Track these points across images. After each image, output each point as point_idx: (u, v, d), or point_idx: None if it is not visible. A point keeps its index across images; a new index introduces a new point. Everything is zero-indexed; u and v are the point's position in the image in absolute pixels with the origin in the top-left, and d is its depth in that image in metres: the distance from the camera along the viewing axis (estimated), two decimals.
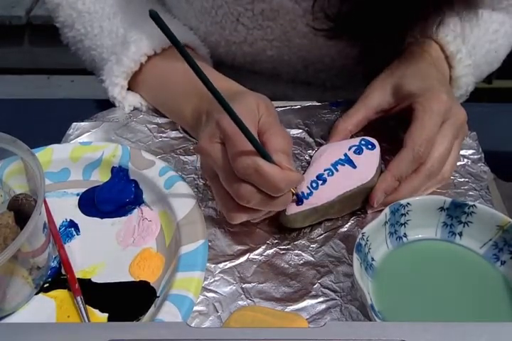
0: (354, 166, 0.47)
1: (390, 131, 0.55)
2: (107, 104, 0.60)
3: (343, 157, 0.48)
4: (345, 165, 0.47)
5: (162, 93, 0.58)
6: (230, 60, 0.63)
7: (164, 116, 0.59)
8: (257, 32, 0.59)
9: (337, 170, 0.47)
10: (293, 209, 0.46)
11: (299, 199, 0.46)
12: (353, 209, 0.48)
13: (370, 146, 0.49)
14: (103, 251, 0.46)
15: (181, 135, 0.57)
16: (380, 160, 0.49)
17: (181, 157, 0.54)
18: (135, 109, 0.60)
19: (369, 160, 0.48)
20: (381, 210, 0.45)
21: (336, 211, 0.47)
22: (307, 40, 0.59)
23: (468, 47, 0.59)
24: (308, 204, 0.46)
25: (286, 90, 0.68)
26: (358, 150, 0.48)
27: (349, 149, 0.48)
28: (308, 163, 0.52)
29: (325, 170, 0.47)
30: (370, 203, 0.47)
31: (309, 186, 0.46)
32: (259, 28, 0.59)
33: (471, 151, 0.55)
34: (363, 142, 0.49)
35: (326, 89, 0.68)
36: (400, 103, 0.52)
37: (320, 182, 0.46)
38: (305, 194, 0.46)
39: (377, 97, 0.52)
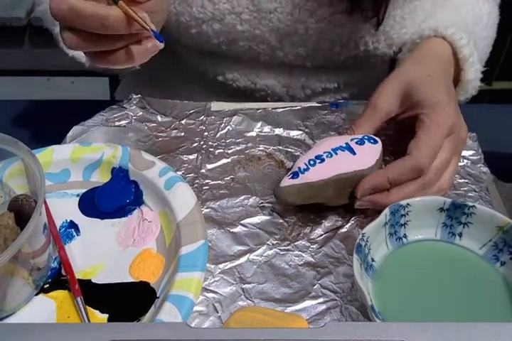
0: (354, 153, 0.47)
1: (391, 131, 0.55)
2: (107, 105, 0.60)
3: (343, 145, 0.48)
4: (345, 151, 0.47)
5: None
6: (204, 42, 0.63)
7: (164, 115, 0.59)
8: (223, 5, 0.59)
9: (336, 154, 0.47)
10: (287, 181, 0.46)
11: (294, 173, 0.46)
12: (350, 200, 0.48)
13: (372, 141, 0.49)
14: (103, 251, 0.46)
15: (181, 134, 0.57)
16: (381, 155, 0.49)
17: (181, 156, 0.55)
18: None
19: (369, 151, 0.48)
20: (367, 209, 0.46)
21: (331, 195, 0.47)
22: (276, 2, 0.59)
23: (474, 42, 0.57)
24: (303, 179, 0.46)
25: (268, 78, 0.67)
26: (360, 142, 0.48)
27: (351, 140, 0.49)
28: None
29: (324, 152, 0.47)
30: (355, 192, 0.47)
31: (306, 163, 0.47)
32: (225, 2, 0.59)
33: (471, 152, 0.55)
34: (365, 137, 0.49)
35: (309, 73, 0.66)
36: (408, 111, 0.51)
37: (318, 161, 0.47)
38: (301, 169, 0.46)
39: (385, 106, 0.51)
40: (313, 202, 0.47)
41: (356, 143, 0.48)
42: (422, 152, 0.46)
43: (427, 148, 0.46)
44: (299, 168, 0.46)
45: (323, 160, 0.47)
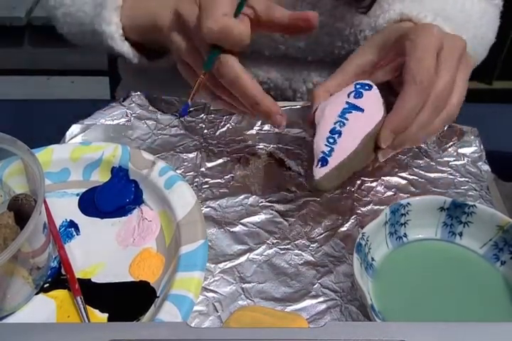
0: (361, 110, 0.46)
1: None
2: (106, 105, 0.60)
3: (346, 106, 0.46)
4: (352, 112, 0.46)
5: (138, 11, 0.57)
6: None
7: (164, 112, 0.59)
8: None
9: (347, 120, 0.45)
10: (320, 172, 0.44)
11: (323, 160, 0.44)
12: (372, 157, 0.48)
13: (367, 87, 0.48)
14: (103, 251, 0.46)
15: (181, 132, 0.57)
16: (381, 97, 0.48)
17: (181, 154, 0.54)
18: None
19: (373, 100, 0.47)
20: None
21: (362, 159, 0.47)
22: None
23: (453, 29, 0.56)
24: (333, 162, 0.44)
25: (271, 71, 0.67)
26: (357, 95, 0.47)
27: (348, 96, 0.47)
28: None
29: (335, 123, 0.46)
30: (378, 143, 0.46)
31: (327, 143, 0.45)
32: None
33: (472, 149, 0.54)
34: (358, 86, 0.48)
35: (310, 67, 0.66)
36: (385, 57, 0.50)
37: (336, 135, 0.45)
38: (326, 152, 0.44)
39: (356, 59, 0.51)
40: (350, 175, 0.47)
41: (355, 97, 0.47)
42: (415, 73, 0.44)
43: (417, 68, 0.44)
44: (324, 152, 0.44)
45: (340, 133, 0.45)
